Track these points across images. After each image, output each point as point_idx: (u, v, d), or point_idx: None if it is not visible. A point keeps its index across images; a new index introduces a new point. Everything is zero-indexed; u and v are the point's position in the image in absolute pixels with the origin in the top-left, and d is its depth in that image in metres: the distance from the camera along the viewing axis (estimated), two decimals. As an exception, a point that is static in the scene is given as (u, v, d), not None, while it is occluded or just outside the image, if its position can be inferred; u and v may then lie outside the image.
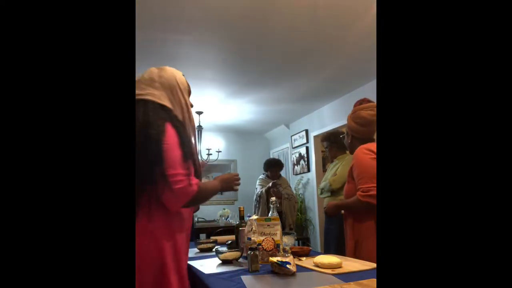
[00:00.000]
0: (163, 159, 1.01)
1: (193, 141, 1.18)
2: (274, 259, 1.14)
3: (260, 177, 3.81)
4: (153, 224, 1.03)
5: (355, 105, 1.72)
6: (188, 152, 1.08)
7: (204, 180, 1.23)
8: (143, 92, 1.14)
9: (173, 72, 1.22)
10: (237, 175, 1.30)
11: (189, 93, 1.26)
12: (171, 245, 1.05)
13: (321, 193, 2.99)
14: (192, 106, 1.25)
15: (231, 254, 1.41)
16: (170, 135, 1.05)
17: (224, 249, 1.52)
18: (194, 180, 1.06)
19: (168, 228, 1.06)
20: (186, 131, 1.13)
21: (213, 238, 2.05)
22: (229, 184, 1.27)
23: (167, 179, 1.01)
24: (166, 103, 1.14)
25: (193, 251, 1.79)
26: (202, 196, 1.12)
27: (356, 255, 1.47)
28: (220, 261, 1.41)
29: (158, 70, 1.20)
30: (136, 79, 1.18)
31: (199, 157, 4.58)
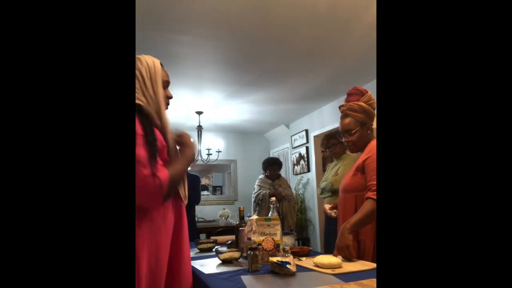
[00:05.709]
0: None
1: (159, 134, 1.08)
2: (274, 259, 1.14)
3: (260, 177, 3.80)
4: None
5: (352, 94, 1.68)
6: (153, 147, 1.00)
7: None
8: None
9: (149, 62, 1.12)
10: (189, 136, 1.19)
11: (168, 83, 1.19)
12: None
13: (322, 193, 2.98)
14: (170, 97, 1.18)
15: (231, 254, 1.41)
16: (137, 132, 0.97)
17: (224, 249, 1.51)
18: (161, 173, 0.99)
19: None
20: (151, 126, 1.05)
21: (213, 238, 2.05)
22: (192, 151, 1.16)
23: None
24: (138, 96, 1.08)
25: (193, 251, 1.79)
26: (176, 181, 1.06)
27: (361, 256, 1.42)
28: (220, 261, 1.40)
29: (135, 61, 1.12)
30: None
31: (199, 157, 4.58)
